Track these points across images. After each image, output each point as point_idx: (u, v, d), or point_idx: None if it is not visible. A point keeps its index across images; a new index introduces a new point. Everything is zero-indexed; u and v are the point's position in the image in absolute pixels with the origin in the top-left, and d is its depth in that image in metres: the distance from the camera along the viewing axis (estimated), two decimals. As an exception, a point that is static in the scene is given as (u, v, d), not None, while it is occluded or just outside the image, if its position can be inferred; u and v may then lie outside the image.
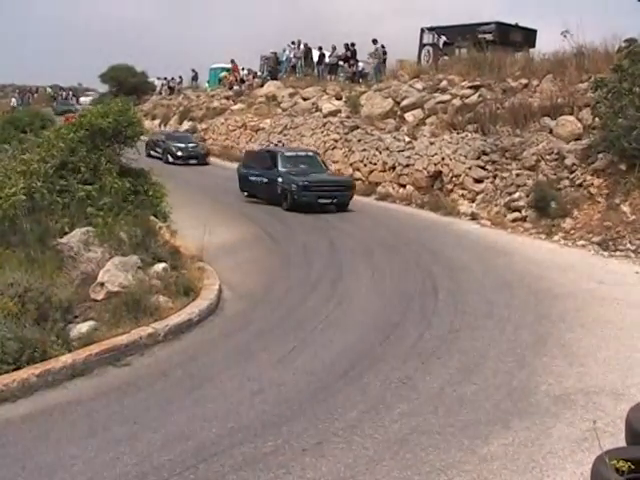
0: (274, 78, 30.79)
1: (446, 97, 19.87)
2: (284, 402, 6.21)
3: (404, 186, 18.59)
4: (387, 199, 18.51)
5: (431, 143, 18.20)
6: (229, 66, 36.31)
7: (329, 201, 16.63)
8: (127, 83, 45.27)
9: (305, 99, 26.23)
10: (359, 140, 20.82)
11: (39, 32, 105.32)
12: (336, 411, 6.00)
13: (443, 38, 24.02)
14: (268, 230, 14.45)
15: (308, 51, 29.63)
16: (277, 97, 28.38)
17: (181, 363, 7.23)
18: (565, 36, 17.65)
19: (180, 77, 42.88)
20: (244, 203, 18.05)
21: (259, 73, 33.99)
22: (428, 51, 24.56)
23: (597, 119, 14.89)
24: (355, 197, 17.49)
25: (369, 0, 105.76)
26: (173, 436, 5.55)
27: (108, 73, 47.55)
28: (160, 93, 44.18)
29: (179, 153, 26.51)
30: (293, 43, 30.76)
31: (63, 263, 9.16)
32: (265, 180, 17.59)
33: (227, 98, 33.13)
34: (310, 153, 19.10)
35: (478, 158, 16.63)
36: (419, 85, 21.46)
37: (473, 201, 16.38)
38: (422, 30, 25.12)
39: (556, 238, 13.45)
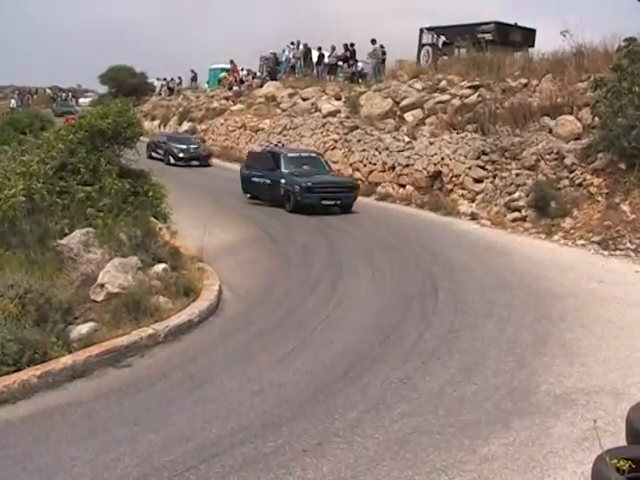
0: (273, 78, 30.80)
1: (445, 97, 19.88)
2: (284, 402, 6.21)
3: (404, 186, 18.59)
4: (387, 199, 18.51)
5: (431, 143, 18.20)
6: (228, 67, 36.32)
7: (333, 203, 16.43)
8: (126, 84, 45.31)
9: (304, 99, 26.24)
10: (359, 140, 20.82)
11: (38, 33, 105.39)
12: (336, 411, 6.01)
13: (442, 38, 24.02)
14: (268, 231, 14.44)
15: (307, 51, 29.64)
16: (276, 97, 28.38)
17: (181, 364, 7.23)
18: (564, 36, 17.68)
19: (179, 78, 42.94)
20: (246, 205, 17.91)
21: (258, 73, 34.01)
22: (427, 51, 24.56)
23: (597, 118, 14.90)
24: (355, 198, 17.46)
25: (369, 0, 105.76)
26: (173, 437, 5.55)
27: (107, 74, 47.60)
28: (159, 94, 44.22)
29: (181, 155, 26.31)
30: (292, 43, 30.77)
31: (63, 264, 9.16)
32: (268, 181, 17.39)
33: (226, 99, 33.15)
34: (313, 154, 18.93)
35: (478, 158, 16.64)
36: (418, 85, 21.47)
37: (473, 201, 16.39)
38: (421, 30, 25.13)
39: (556, 238, 13.46)
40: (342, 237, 13.88)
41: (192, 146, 27.11)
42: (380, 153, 19.64)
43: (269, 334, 8.16)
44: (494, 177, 16.18)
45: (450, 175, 17.24)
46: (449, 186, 17.26)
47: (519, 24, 23.26)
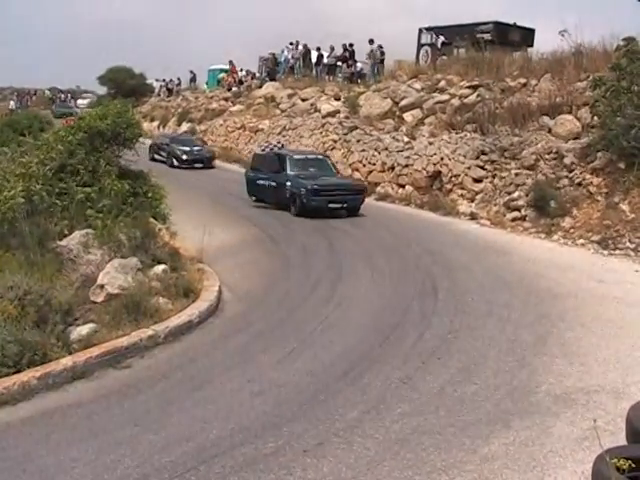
0: (272, 79, 30.79)
1: (445, 97, 19.88)
2: (284, 403, 6.21)
3: (403, 186, 18.59)
4: (386, 199, 18.50)
5: (430, 143, 18.20)
6: (227, 67, 36.32)
7: (339, 206, 16.08)
8: (125, 85, 45.35)
9: (304, 100, 26.23)
10: (358, 140, 20.82)
11: (38, 34, 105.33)
12: (337, 412, 6.01)
13: (441, 38, 24.01)
14: (269, 232, 14.44)
15: (307, 52, 29.62)
16: (276, 98, 28.37)
17: (181, 365, 7.23)
18: (563, 35, 17.69)
19: (178, 79, 42.93)
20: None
21: (257, 74, 34.01)
22: (426, 51, 24.56)
23: (596, 118, 14.91)
24: (354, 198, 17.39)
25: (368, 0, 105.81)
26: (174, 438, 5.56)
27: (106, 75, 47.64)
28: (159, 95, 44.22)
29: (184, 157, 26.05)
30: (291, 44, 30.77)
31: (63, 266, 9.16)
32: (273, 184, 17.03)
33: (226, 99, 33.15)
34: (320, 156, 18.57)
35: (477, 158, 16.64)
36: (418, 85, 21.47)
37: (472, 201, 16.38)
38: (420, 30, 25.13)
39: (555, 237, 13.46)
40: (341, 237, 13.88)
41: (195, 148, 26.81)
42: (379, 153, 19.64)
43: (269, 335, 8.16)
44: (493, 177, 16.18)
45: (449, 175, 17.24)
46: (448, 186, 17.26)
47: (518, 24, 23.24)
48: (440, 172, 17.55)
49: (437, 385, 6.58)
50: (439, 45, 24.05)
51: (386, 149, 19.43)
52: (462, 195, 16.77)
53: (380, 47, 25.50)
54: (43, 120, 28.12)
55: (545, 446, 5.35)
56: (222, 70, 37.76)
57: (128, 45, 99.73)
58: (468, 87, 19.38)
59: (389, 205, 18.01)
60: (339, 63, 27.46)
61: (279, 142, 19.26)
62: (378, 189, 19.16)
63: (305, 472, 5.02)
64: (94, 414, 6.07)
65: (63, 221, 10.19)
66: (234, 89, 33.81)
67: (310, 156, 18.35)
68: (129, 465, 5.13)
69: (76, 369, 6.77)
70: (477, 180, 16.49)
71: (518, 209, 14.89)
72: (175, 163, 25.88)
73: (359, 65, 26.83)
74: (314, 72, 28.86)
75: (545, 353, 7.41)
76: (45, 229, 9.83)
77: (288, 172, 16.83)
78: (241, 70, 35.44)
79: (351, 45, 26.78)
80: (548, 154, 15.27)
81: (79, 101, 54.69)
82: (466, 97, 19.09)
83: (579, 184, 14.24)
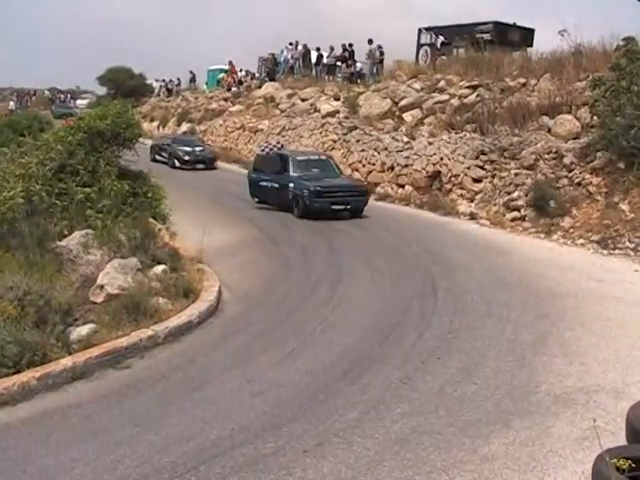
0: (272, 79, 30.79)
1: (444, 97, 19.88)
2: (284, 403, 6.21)
3: (403, 186, 18.59)
4: (386, 199, 18.49)
5: (430, 143, 18.21)
6: (227, 68, 36.32)
7: (343, 207, 15.86)
8: (125, 85, 45.33)
9: (303, 100, 26.23)
10: (358, 140, 20.83)
11: (37, 34, 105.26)
12: (336, 412, 6.01)
13: (441, 38, 24.01)
14: (268, 231, 14.45)
15: (306, 52, 29.62)
16: (275, 98, 28.37)
17: (181, 365, 7.23)
18: (563, 35, 17.69)
19: (178, 79, 42.93)
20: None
21: (257, 74, 34.01)
22: (426, 51, 24.56)
23: (595, 118, 14.91)
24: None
25: (368, 1, 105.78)
26: (174, 438, 5.56)
27: (106, 75, 47.62)
28: (158, 95, 44.22)
29: (186, 157, 25.74)
30: (291, 44, 30.76)
31: (62, 266, 9.17)
32: (276, 185, 16.81)
33: (225, 100, 33.15)
34: (323, 157, 18.38)
35: (477, 158, 16.64)
36: (417, 85, 21.48)
37: (472, 201, 16.39)
38: (420, 30, 25.12)
39: (555, 237, 13.46)
40: (341, 237, 13.88)
41: (197, 149, 26.53)
42: (379, 153, 19.65)
43: (269, 335, 8.17)
44: (493, 177, 16.19)
45: (449, 175, 17.24)
46: (448, 186, 17.26)
47: (517, 24, 23.25)
48: (440, 172, 17.55)
49: (437, 385, 6.58)
50: (439, 45, 24.04)
51: (386, 149, 19.44)
52: (462, 195, 16.78)
53: (379, 47, 25.50)
54: (43, 120, 28.09)
55: (545, 446, 5.35)
56: (222, 70, 37.76)
57: (128, 45, 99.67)
58: (468, 87, 19.39)
59: (389, 205, 18.01)
60: (339, 63, 27.46)
61: (278, 142, 19.16)
62: (378, 189, 19.16)
63: (305, 472, 5.02)
64: (94, 414, 6.07)
65: (63, 221, 10.19)
66: (234, 89, 33.81)
67: (313, 157, 18.12)
68: (129, 465, 5.13)
69: (76, 369, 6.77)
70: (477, 180, 16.49)
71: (518, 209, 14.89)
72: (177, 164, 25.61)
73: (359, 65, 26.83)
74: (314, 72, 28.85)
75: (545, 353, 7.41)
76: (45, 229, 9.83)
77: (291, 173, 16.61)
78: (241, 70, 35.43)
79: (350, 45, 26.78)
80: (548, 154, 15.27)
81: (78, 101, 54.63)
82: (466, 97, 19.09)
83: (579, 184, 14.25)
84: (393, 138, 19.58)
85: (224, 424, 5.79)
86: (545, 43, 31.01)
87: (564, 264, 11.46)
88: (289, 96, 27.55)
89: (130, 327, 7.74)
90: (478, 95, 18.68)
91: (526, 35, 23.10)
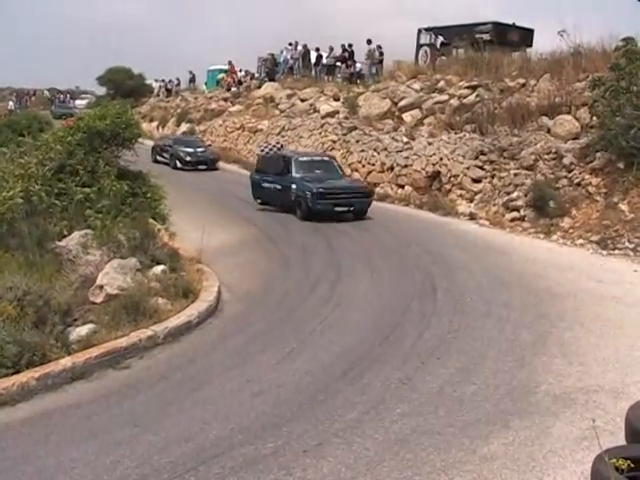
0: (272, 79, 30.78)
1: (444, 97, 19.89)
2: (284, 403, 6.21)
3: (402, 186, 18.60)
4: (386, 200, 18.48)
5: (429, 143, 18.21)
6: (226, 68, 36.31)
7: (346, 209, 15.64)
8: (124, 85, 45.27)
9: (303, 100, 26.23)
10: (357, 141, 20.83)
11: (36, 35, 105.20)
12: (336, 412, 6.01)
13: (440, 38, 24.01)
14: (267, 231, 14.44)
15: (306, 52, 29.62)
16: (275, 98, 28.36)
17: (180, 365, 7.23)
18: (562, 35, 17.70)
19: (178, 79, 42.94)
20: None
21: (257, 74, 34.01)
22: (425, 51, 24.55)
23: (595, 118, 14.92)
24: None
25: (367, 1, 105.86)
26: (173, 438, 5.56)
27: (105, 76, 47.57)
28: (158, 95, 44.20)
29: (188, 158, 25.58)
30: (290, 44, 30.75)
31: (62, 266, 9.16)
32: (278, 187, 16.59)
33: (225, 100, 33.14)
34: (326, 158, 18.15)
35: (476, 158, 16.65)
36: (417, 85, 21.48)
37: (471, 201, 16.39)
38: (419, 30, 25.12)
39: (555, 237, 13.46)
40: (340, 237, 13.88)
41: (199, 149, 26.38)
42: (379, 154, 19.65)
43: (268, 335, 8.16)
44: (492, 177, 16.19)
45: (449, 175, 17.24)
46: (448, 186, 17.27)
47: (517, 24, 23.26)
48: (439, 172, 17.56)
49: (436, 385, 6.58)
50: (438, 45, 24.04)
51: (385, 149, 19.44)
52: (461, 195, 16.78)
53: (379, 47, 25.51)
54: (42, 120, 28.07)
55: (544, 446, 5.36)
56: (221, 70, 37.75)
57: (127, 45, 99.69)
58: (467, 87, 19.40)
59: (388, 205, 18.00)
60: (338, 64, 27.46)
61: (278, 142, 19.14)
62: (377, 189, 19.13)
63: (305, 472, 5.02)
64: (93, 415, 6.07)
65: (62, 221, 10.19)
66: (233, 89, 33.81)
67: (316, 158, 17.90)
68: (128, 466, 5.13)
69: (75, 370, 6.77)
70: (476, 180, 16.49)
71: (517, 209, 14.90)
72: (178, 165, 25.44)
73: (358, 65, 26.84)
74: (313, 72, 28.85)
75: (544, 353, 7.41)
76: (44, 229, 9.83)
77: (293, 174, 16.41)
78: (240, 70, 35.42)
79: (350, 45, 26.78)
80: (547, 154, 15.28)
81: (77, 102, 54.51)
82: (465, 97, 19.10)
83: (578, 184, 14.25)
84: (393, 138, 19.59)
85: (223, 424, 5.79)
86: (544, 43, 31.05)
87: (563, 264, 11.47)
88: (289, 96, 27.55)
89: (129, 327, 7.74)
90: (477, 95, 18.68)
91: (525, 35, 23.10)
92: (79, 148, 11.10)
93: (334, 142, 21.87)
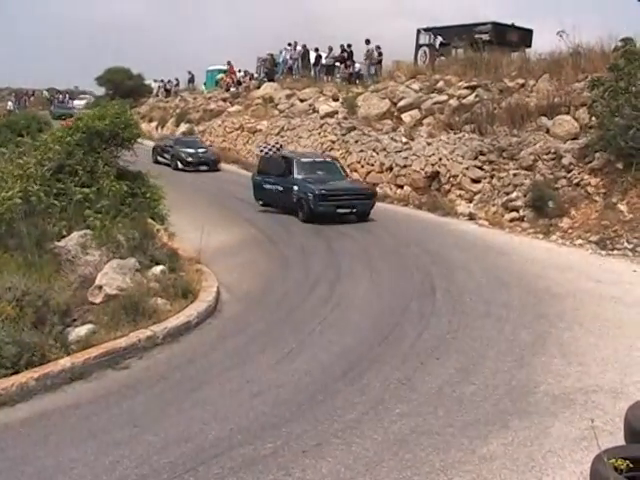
0: (271, 80, 30.78)
1: (443, 97, 19.89)
2: (283, 404, 6.21)
3: (402, 187, 18.59)
4: (385, 200, 18.41)
5: (428, 144, 18.21)
6: (225, 68, 36.30)
7: (348, 211, 15.46)
8: (124, 86, 45.22)
9: (302, 100, 26.23)
10: (356, 141, 20.83)
11: (35, 35, 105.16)
12: (335, 412, 6.01)
13: (439, 39, 24.00)
14: (267, 232, 14.44)
15: (305, 53, 29.61)
16: (274, 99, 28.36)
17: (180, 365, 7.23)
18: (561, 36, 17.71)
19: (177, 79, 42.92)
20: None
21: (256, 75, 34.00)
22: (424, 52, 24.55)
23: (594, 118, 14.93)
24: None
25: (367, 1, 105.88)
26: (172, 438, 5.56)
27: (104, 76, 47.54)
28: (157, 95, 44.18)
29: (189, 159, 25.37)
30: (290, 45, 30.75)
31: (61, 266, 9.16)
32: (280, 188, 16.38)
33: (224, 100, 33.13)
34: (328, 159, 17.89)
35: (475, 158, 16.65)
36: (416, 86, 21.48)
37: (471, 201, 16.39)
38: (418, 31, 25.12)
39: (554, 237, 13.47)
40: (339, 238, 13.87)
41: (200, 150, 26.17)
42: (378, 154, 19.65)
43: (267, 335, 8.16)
44: (492, 177, 16.19)
45: (448, 175, 17.25)
46: (447, 186, 17.27)
47: (516, 24, 23.27)
48: (438, 172, 17.56)
49: (436, 385, 6.58)
50: (437, 46, 24.04)
51: (384, 150, 19.44)
52: (460, 195, 16.78)
53: (378, 48, 25.51)
54: (41, 121, 28.04)
55: (544, 446, 5.36)
56: (220, 71, 37.74)
57: (126, 45, 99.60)
58: (466, 87, 19.40)
59: (387, 206, 17.97)
60: (337, 64, 27.46)
61: (277, 142, 19.12)
62: (376, 190, 19.13)
63: (304, 473, 5.02)
64: (93, 415, 6.07)
65: (61, 222, 10.19)
66: (232, 90, 33.80)
67: (318, 159, 17.67)
68: (128, 466, 5.13)
69: (74, 370, 6.77)
70: (475, 180, 16.50)
71: (516, 209, 14.90)
72: (180, 166, 25.23)
73: (357, 66, 26.83)
74: (312, 73, 28.84)
75: (544, 353, 7.42)
76: (43, 230, 9.82)
77: (295, 176, 16.21)
78: (239, 71, 35.42)
79: (349, 46, 26.78)
80: (546, 154, 15.29)
81: (75, 102, 54.38)
82: (464, 97, 19.10)
83: (577, 184, 14.26)
84: (392, 139, 19.59)
85: (223, 424, 5.79)
86: (544, 44, 31.04)
87: (563, 264, 11.47)
88: (288, 96, 27.55)
89: (129, 327, 7.74)
90: (477, 96, 18.69)
91: (525, 36, 23.11)
92: (78, 148, 11.09)
93: (333, 142, 21.87)
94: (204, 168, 25.14)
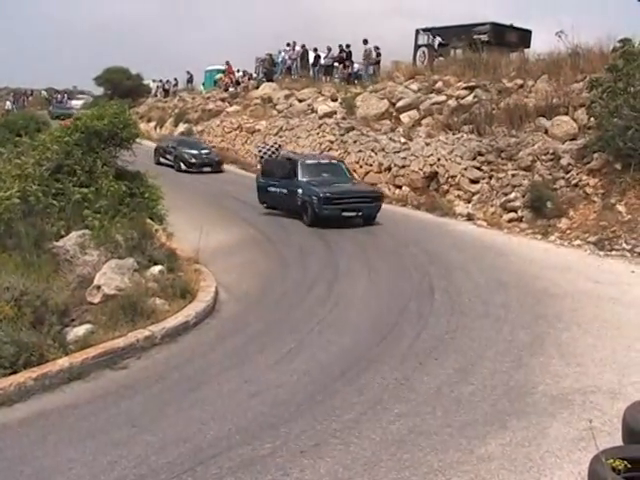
0: (269, 80, 30.77)
1: (441, 98, 19.90)
2: (282, 404, 6.21)
3: (400, 187, 18.59)
4: (383, 200, 18.44)
5: (427, 144, 18.21)
6: (224, 68, 36.27)
7: (354, 214, 15.07)
8: (122, 86, 45.14)
9: (300, 101, 26.23)
10: (355, 141, 20.82)
11: (33, 34, 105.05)
12: (334, 412, 6.01)
13: (438, 39, 24.00)
14: (266, 232, 14.43)
15: (304, 53, 29.61)
16: (272, 99, 28.34)
17: (178, 365, 7.23)
18: (560, 36, 17.72)
19: (175, 79, 42.83)
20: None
21: (254, 75, 33.98)
22: (423, 52, 24.55)
23: (592, 119, 14.93)
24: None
25: (366, 1, 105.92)
26: (171, 438, 5.55)
27: (103, 76, 47.45)
28: (155, 95, 44.14)
29: (192, 160, 25.04)
30: (288, 45, 30.74)
31: (59, 266, 9.16)
32: (284, 191, 16.05)
33: (222, 100, 33.10)
34: (334, 161, 17.49)
35: (474, 159, 16.66)
36: (414, 86, 21.48)
37: (469, 202, 16.40)
38: (417, 31, 25.12)
39: (552, 238, 13.48)
40: (338, 238, 13.87)
41: (204, 151, 25.82)
42: (376, 154, 19.65)
43: (266, 335, 8.16)
44: (490, 178, 16.20)
45: (446, 176, 17.25)
46: (445, 187, 17.27)
47: (515, 25, 23.29)
48: (437, 173, 17.56)
49: (434, 386, 6.59)
50: (436, 46, 24.04)
51: (383, 150, 19.43)
52: (459, 196, 16.79)
53: (377, 48, 25.52)
54: (39, 121, 28.01)
55: (542, 447, 5.36)
56: (219, 71, 37.70)
57: (125, 45, 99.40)
58: (465, 88, 19.41)
59: (386, 206, 17.80)
60: (336, 64, 27.45)
61: (276, 143, 19.09)
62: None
63: (302, 473, 5.02)
64: (91, 415, 6.07)
65: (60, 222, 10.19)
66: (231, 90, 33.78)
67: (323, 161, 17.30)
68: (126, 466, 5.13)
69: (73, 370, 6.77)
70: (474, 181, 16.50)
71: (515, 210, 14.91)
72: (183, 167, 24.98)
73: (356, 66, 26.81)
74: (311, 73, 28.82)
75: (542, 354, 7.42)
76: (41, 230, 9.82)
77: (299, 178, 15.81)
78: (238, 71, 35.39)
79: (348, 46, 26.77)
80: (545, 155, 15.30)
81: (73, 102, 54.28)
82: (463, 98, 19.11)
83: (575, 185, 14.27)
84: (390, 139, 19.58)
85: (221, 425, 5.79)
86: (542, 44, 31.11)
87: (561, 265, 11.48)
88: (286, 97, 27.54)
89: (127, 327, 7.74)
90: (475, 96, 18.69)
91: (523, 36, 23.12)
92: (77, 148, 11.09)
93: (332, 142, 21.87)
94: (207, 169, 24.78)
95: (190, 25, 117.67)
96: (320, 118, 23.38)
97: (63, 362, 6.81)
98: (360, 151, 20.34)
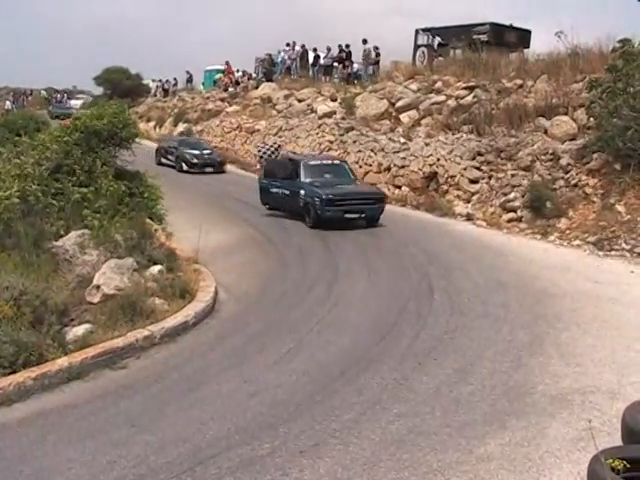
0: (269, 80, 30.77)
1: (441, 98, 19.91)
2: (281, 404, 6.21)
3: (399, 187, 18.60)
4: (383, 200, 18.45)
5: (426, 144, 18.22)
6: (224, 68, 36.26)
7: (357, 216, 14.88)
8: (122, 85, 45.11)
9: (300, 101, 26.23)
10: (354, 141, 20.83)
11: (34, 34, 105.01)
12: (333, 412, 6.01)
13: (438, 39, 24.00)
14: (267, 233, 14.43)
15: (304, 53, 29.60)
16: (272, 99, 28.34)
17: (177, 365, 7.23)
18: (559, 37, 17.74)
19: (175, 79, 42.82)
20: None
21: (254, 75, 33.97)
22: (423, 52, 24.56)
23: (592, 119, 14.95)
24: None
25: (366, 1, 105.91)
26: (170, 438, 5.55)
27: (102, 75, 47.41)
28: (155, 95, 44.13)
29: (194, 161, 24.81)
30: (288, 45, 30.73)
31: (58, 266, 9.16)
32: (286, 192, 15.83)
33: (222, 100, 33.09)
34: (337, 161, 17.23)
35: (473, 159, 16.66)
36: (414, 86, 21.49)
37: (468, 202, 16.41)
38: (417, 31, 25.13)
39: (551, 238, 13.48)
40: (337, 238, 13.87)
41: (205, 152, 25.62)
42: (376, 154, 19.65)
43: (265, 335, 8.16)
44: (489, 178, 16.21)
45: (446, 176, 17.26)
46: (445, 187, 17.28)
47: (514, 25, 23.30)
48: (436, 173, 17.57)
49: (433, 386, 6.59)
50: (435, 46, 24.05)
51: (382, 150, 19.44)
52: (458, 196, 16.80)
53: (376, 48, 25.52)
54: (39, 120, 27.97)
55: (541, 447, 5.36)
56: (218, 71, 37.69)
57: (125, 45, 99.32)
58: (464, 88, 19.42)
59: (385, 206, 17.95)
60: (335, 64, 27.45)
61: (275, 143, 19.07)
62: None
63: (301, 473, 5.02)
64: (90, 415, 6.06)
65: (59, 221, 10.18)
66: (230, 90, 33.78)
67: (326, 162, 17.03)
68: (125, 466, 5.13)
69: (72, 370, 6.77)
70: (473, 181, 16.51)
71: (514, 210, 14.92)
72: (184, 167, 24.80)
73: (355, 66, 26.82)
74: (311, 73, 28.82)
75: (541, 354, 7.42)
76: (41, 229, 9.82)
77: (302, 179, 15.59)
78: (237, 71, 35.37)
79: (347, 46, 26.77)
80: (544, 155, 15.31)
81: (72, 102, 54.21)
82: (462, 98, 19.12)
83: (575, 185, 14.28)
84: (390, 139, 19.59)
85: (220, 424, 5.79)
86: (542, 44, 31.11)
87: (560, 265, 11.48)
88: (286, 97, 27.54)
89: (126, 327, 7.74)
90: (475, 96, 18.71)
91: (523, 36, 23.14)
92: (76, 148, 11.09)
93: (331, 143, 21.87)
94: (209, 170, 24.56)
95: (190, 25, 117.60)
96: (319, 118, 23.38)
97: (62, 362, 6.80)
98: (359, 151, 20.34)
